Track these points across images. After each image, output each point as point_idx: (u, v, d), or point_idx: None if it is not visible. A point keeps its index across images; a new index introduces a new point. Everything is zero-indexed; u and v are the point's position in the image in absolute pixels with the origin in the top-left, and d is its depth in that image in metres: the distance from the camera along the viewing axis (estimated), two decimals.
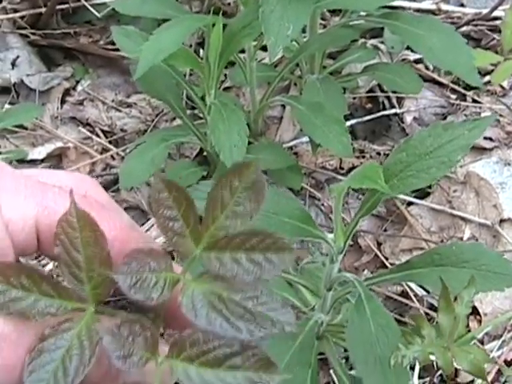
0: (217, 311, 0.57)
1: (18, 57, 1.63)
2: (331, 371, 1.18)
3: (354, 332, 0.86)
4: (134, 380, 0.59)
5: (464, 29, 1.68)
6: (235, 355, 0.56)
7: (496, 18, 1.69)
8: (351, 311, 0.88)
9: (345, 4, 1.23)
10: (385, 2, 1.21)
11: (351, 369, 1.12)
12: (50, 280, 0.57)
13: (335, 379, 1.18)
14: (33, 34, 1.67)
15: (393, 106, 1.59)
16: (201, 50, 1.60)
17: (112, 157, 1.49)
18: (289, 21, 0.98)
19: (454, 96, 1.61)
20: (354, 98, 1.57)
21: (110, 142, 1.52)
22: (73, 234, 0.57)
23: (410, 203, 1.42)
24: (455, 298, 0.84)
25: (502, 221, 1.37)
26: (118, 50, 1.62)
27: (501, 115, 1.54)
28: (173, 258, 0.61)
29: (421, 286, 1.31)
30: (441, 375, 1.21)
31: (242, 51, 1.33)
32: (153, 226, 1.35)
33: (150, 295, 0.57)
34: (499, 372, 1.18)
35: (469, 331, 0.84)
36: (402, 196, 1.39)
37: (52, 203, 0.58)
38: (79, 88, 1.63)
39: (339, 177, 1.44)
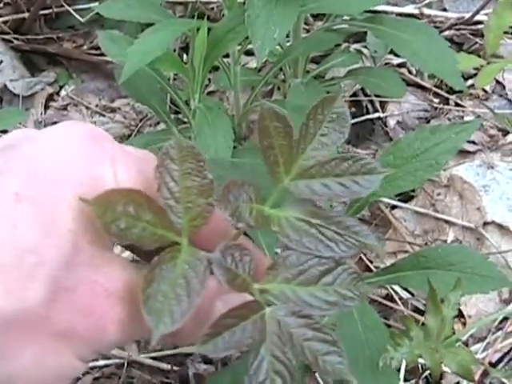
0: (309, 235, 0.60)
1: (1, 62, 1.63)
2: (317, 374, 1.18)
3: (342, 333, 0.86)
4: None
5: (446, 33, 1.69)
6: (328, 272, 0.59)
7: (478, 23, 1.71)
8: (339, 313, 0.88)
9: (329, 8, 1.24)
10: (368, 6, 1.22)
11: None
12: (155, 208, 0.57)
13: (321, 382, 1.18)
14: (16, 39, 1.67)
15: (376, 110, 1.60)
16: (184, 55, 1.61)
17: None
18: (275, 24, 0.98)
19: (436, 100, 1.62)
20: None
21: None
22: (171, 165, 0.58)
23: (394, 206, 1.42)
24: (442, 300, 0.84)
25: (485, 223, 1.38)
26: (101, 54, 1.63)
27: (484, 119, 1.55)
28: None
29: (405, 289, 1.32)
30: (426, 378, 1.22)
31: (226, 55, 1.34)
32: None
33: (249, 223, 0.59)
34: (484, 374, 1.19)
35: (453, 333, 0.84)
36: (386, 199, 1.40)
37: (148, 169, 0.58)
38: (63, 93, 1.62)
39: None
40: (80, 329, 0.53)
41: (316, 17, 1.69)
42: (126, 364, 1.19)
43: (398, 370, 1.17)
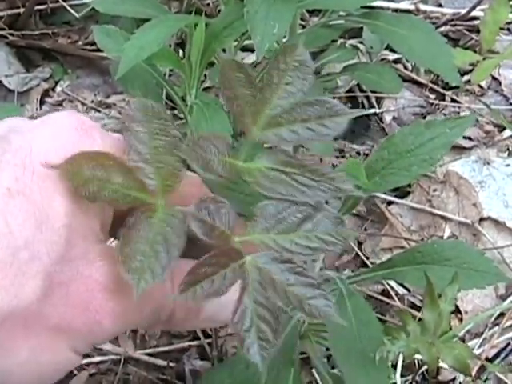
0: (283, 182, 0.60)
1: None
2: (313, 370, 1.19)
3: (335, 328, 0.86)
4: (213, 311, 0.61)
5: (442, 29, 1.69)
6: (307, 219, 0.60)
7: (474, 18, 1.71)
8: (334, 307, 0.88)
9: (326, 4, 1.23)
10: (365, 2, 1.21)
11: (333, 368, 1.13)
12: (126, 170, 0.57)
13: (317, 378, 1.18)
14: (11, 34, 1.66)
15: (372, 106, 1.60)
16: (180, 51, 1.60)
17: None
18: (274, 20, 0.98)
19: (432, 96, 1.62)
20: (334, 98, 1.56)
21: None
22: (137, 127, 0.58)
23: (390, 202, 1.42)
24: (439, 295, 0.84)
25: (481, 219, 1.38)
26: (97, 50, 1.62)
27: (480, 115, 1.56)
28: None
29: (401, 285, 1.32)
30: (423, 373, 1.22)
31: (223, 51, 1.33)
32: None
33: (221, 175, 0.60)
34: (481, 369, 1.19)
35: (450, 329, 0.84)
36: (382, 195, 1.40)
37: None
38: (58, 89, 1.62)
39: None
40: (75, 323, 0.54)
41: (311, 12, 1.68)
42: (122, 360, 1.19)
43: (395, 366, 1.17)
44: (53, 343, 0.54)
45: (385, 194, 1.40)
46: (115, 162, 0.56)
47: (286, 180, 0.60)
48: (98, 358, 1.19)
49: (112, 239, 0.66)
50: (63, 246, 0.53)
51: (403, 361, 1.14)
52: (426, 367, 1.21)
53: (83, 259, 0.54)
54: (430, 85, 1.63)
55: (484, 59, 1.31)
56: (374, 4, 1.61)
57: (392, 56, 1.66)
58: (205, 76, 1.55)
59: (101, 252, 0.56)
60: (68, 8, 1.64)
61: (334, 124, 0.62)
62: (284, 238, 0.59)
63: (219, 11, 1.58)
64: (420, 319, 0.84)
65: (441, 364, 0.83)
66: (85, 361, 1.19)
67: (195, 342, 1.22)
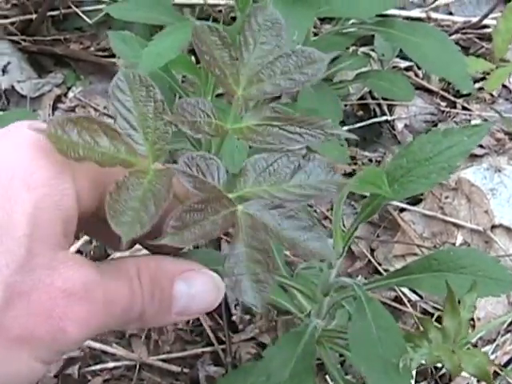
0: (272, 133, 0.61)
1: (8, 63, 1.62)
2: (327, 376, 1.19)
3: (355, 334, 0.86)
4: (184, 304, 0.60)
5: (453, 37, 1.69)
6: (299, 169, 0.60)
7: (484, 26, 1.71)
8: (353, 314, 0.88)
9: (341, 12, 1.24)
10: (380, 10, 1.22)
11: (346, 374, 1.13)
12: (112, 134, 0.58)
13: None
14: (23, 40, 1.66)
15: (384, 114, 1.60)
16: (192, 57, 1.60)
17: None
18: (293, 26, 0.99)
19: (443, 103, 1.63)
20: (346, 106, 1.58)
21: None
22: (123, 96, 0.60)
23: (402, 209, 1.43)
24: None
25: (493, 227, 1.39)
26: (109, 56, 1.63)
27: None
28: None
29: (414, 292, 1.32)
30: (435, 379, 1.22)
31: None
32: None
33: (209, 133, 0.61)
34: (494, 375, 1.19)
35: None
36: (394, 202, 1.40)
37: None
38: (70, 95, 1.62)
39: None
40: (38, 332, 0.53)
41: (323, 20, 1.69)
42: (136, 366, 1.19)
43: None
44: (15, 354, 0.53)
45: (398, 201, 1.40)
46: (101, 125, 0.57)
47: (275, 131, 0.61)
48: (111, 364, 1.19)
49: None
50: (23, 255, 0.52)
51: (417, 367, 1.14)
52: (440, 373, 1.21)
53: (46, 267, 0.53)
54: (441, 92, 1.64)
55: (496, 67, 1.31)
56: (386, 12, 1.62)
57: (403, 64, 1.66)
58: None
59: (63, 259, 0.54)
60: (80, 14, 1.64)
61: (313, 70, 0.64)
62: (277, 189, 0.59)
63: (231, 18, 1.58)
64: (436, 326, 0.84)
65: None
66: (98, 366, 1.19)
67: (209, 348, 1.22)
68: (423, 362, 0.82)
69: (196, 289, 0.58)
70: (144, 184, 0.56)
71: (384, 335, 0.86)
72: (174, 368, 1.20)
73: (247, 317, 1.26)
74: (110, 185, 0.55)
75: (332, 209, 1.40)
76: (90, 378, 1.18)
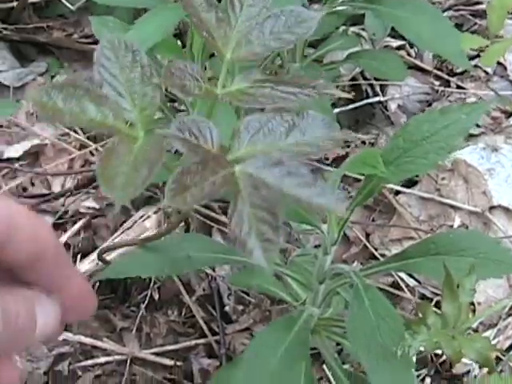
0: (263, 95, 0.61)
1: None
2: (324, 366, 1.16)
3: (353, 322, 0.84)
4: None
5: (445, 14, 1.66)
6: (294, 128, 0.60)
7: (477, 3, 1.68)
8: (350, 301, 0.85)
9: None
10: None
11: (343, 363, 1.10)
12: (99, 100, 0.58)
13: (328, 374, 1.16)
14: (4, 28, 1.62)
15: (376, 94, 1.58)
16: (178, 41, 1.57)
17: (91, 153, 1.45)
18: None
19: (437, 82, 1.60)
20: (337, 87, 1.54)
21: (88, 138, 1.48)
22: (108, 63, 0.61)
23: (397, 192, 1.40)
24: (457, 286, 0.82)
25: (491, 208, 1.36)
26: (93, 43, 1.59)
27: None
28: None
29: (412, 277, 1.29)
30: (436, 366, 1.19)
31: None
32: (135, 222, 1.31)
33: (199, 95, 0.63)
34: (496, 360, 1.16)
35: None
36: (389, 185, 1.37)
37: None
38: None
39: (324, 167, 1.41)
40: None
41: (311, 0, 1.65)
42: (128, 361, 1.15)
43: None
44: None
45: (392, 183, 1.37)
46: (87, 92, 0.58)
47: (267, 92, 0.61)
48: (102, 359, 1.16)
49: None
50: None
51: (417, 354, 1.11)
52: (440, 360, 1.18)
53: None
54: (435, 71, 1.61)
55: (492, 43, 1.28)
56: None
57: (395, 43, 1.63)
58: (205, 68, 1.52)
59: None
60: (62, 0, 1.60)
61: (303, 29, 0.65)
62: (273, 149, 0.59)
63: (219, 1, 1.54)
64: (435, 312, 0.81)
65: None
66: (89, 362, 1.16)
67: (202, 340, 1.20)
68: (422, 348, 0.79)
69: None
70: (134, 150, 0.57)
71: (382, 322, 0.83)
72: (167, 361, 1.16)
73: (240, 307, 1.23)
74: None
75: None
76: (80, 373, 1.15)
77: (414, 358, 1.14)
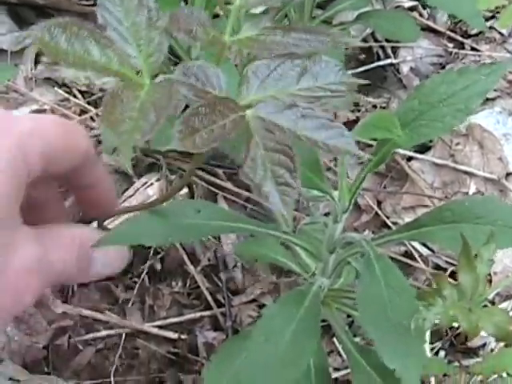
0: (274, 42, 0.59)
1: None
2: (334, 339, 1.12)
3: (364, 293, 0.80)
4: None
5: None
6: (306, 72, 0.58)
7: None
8: (361, 271, 0.81)
9: None
10: None
11: (355, 336, 1.06)
12: (104, 41, 0.57)
13: (339, 347, 1.12)
14: None
15: (388, 56, 1.53)
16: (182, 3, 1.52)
17: (91, 118, 1.41)
18: None
19: (451, 44, 1.56)
20: (347, 49, 1.50)
21: (88, 103, 1.44)
22: (113, 7, 0.59)
23: (410, 158, 1.35)
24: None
25: (508, 174, 1.32)
26: (93, 5, 1.54)
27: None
28: None
29: (425, 246, 1.26)
30: (450, 339, 1.15)
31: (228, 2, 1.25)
32: (137, 190, 1.27)
33: (207, 41, 0.60)
34: None
35: None
36: (401, 150, 1.33)
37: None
38: None
39: None
40: (5, 305, 0.59)
41: None
42: (124, 335, 1.12)
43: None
44: None
45: (404, 148, 1.32)
46: (91, 32, 0.57)
47: (278, 40, 0.59)
48: (104, 333, 1.12)
49: None
50: None
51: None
52: (455, 333, 1.15)
53: (8, 247, 0.58)
54: (448, 33, 1.56)
55: (510, 3, 1.23)
56: None
57: (407, 3, 1.58)
58: None
59: (20, 237, 0.59)
60: None
61: None
62: (284, 94, 0.57)
63: None
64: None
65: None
66: (90, 335, 1.12)
67: (207, 312, 1.16)
68: (437, 322, 0.75)
69: (109, 257, 0.68)
70: (141, 96, 0.55)
71: (394, 294, 0.79)
72: (171, 334, 1.12)
73: (247, 278, 1.19)
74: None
75: (335, 159, 1.33)
76: (81, 347, 1.11)
77: (429, 331, 1.11)
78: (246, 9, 0.63)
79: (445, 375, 0.98)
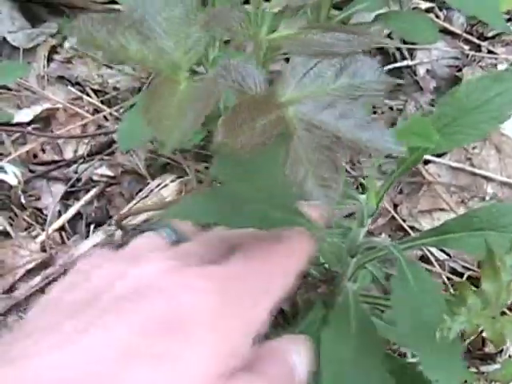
0: (313, 41, 0.57)
1: None
2: None
3: (398, 300, 0.79)
4: None
5: None
6: (343, 71, 0.57)
7: None
8: (393, 279, 0.80)
9: None
10: None
11: None
12: (143, 38, 0.57)
13: None
14: None
15: (404, 58, 1.51)
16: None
17: (105, 117, 1.40)
18: None
19: (467, 47, 1.55)
20: (363, 50, 1.49)
21: (102, 102, 1.43)
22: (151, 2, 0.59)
23: (426, 161, 1.35)
24: None
25: None
26: (107, 3, 1.53)
27: None
28: None
29: (442, 250, 1.25)
30: (466, 346, 1.15)
31: (246, 1, 1.24)
32: (152, 191, 1.26)
33: (247, 34, 0.58)
34: None
35: None
36: None
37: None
38: (66, 45, 1.52)
39: None
40: None
41: None
42: None
43: None
44: None
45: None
46: (128, 27, 0.57)
47: (316, 39, 0.57)
48: None
49: None
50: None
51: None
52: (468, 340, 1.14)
53: None
54: (465, 35, 1.55)
55: None
56: None
57: (424, 5, 1.57)
58: None
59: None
60: None
61: None
62: (322, 92, 0.57)
63: None
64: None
65: (485, 334, 0.76)
66: None
67: None
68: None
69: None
70: (179, 92, 0.55)
71: (428, 301, 0.79)
72: None
73: None
74: None
75: (351, 161, 1.32)
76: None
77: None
78: (279, 7, 0.62)
79: (465, 382, 0.98)
